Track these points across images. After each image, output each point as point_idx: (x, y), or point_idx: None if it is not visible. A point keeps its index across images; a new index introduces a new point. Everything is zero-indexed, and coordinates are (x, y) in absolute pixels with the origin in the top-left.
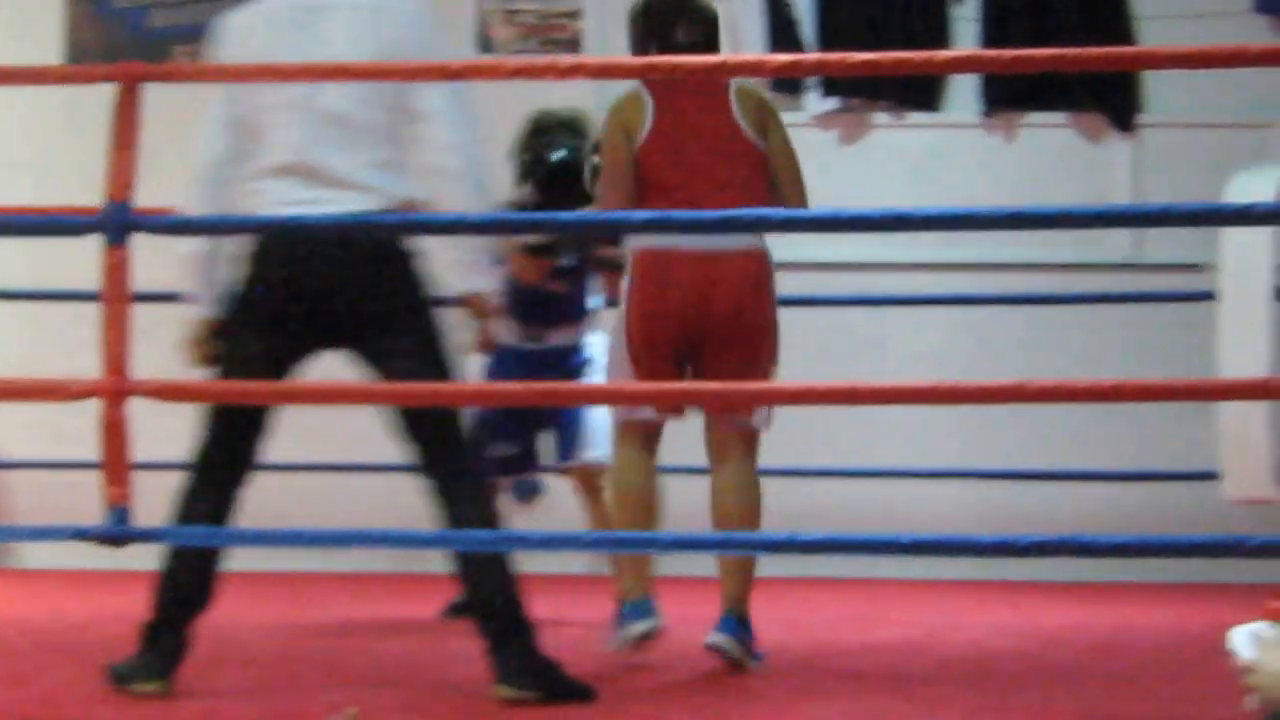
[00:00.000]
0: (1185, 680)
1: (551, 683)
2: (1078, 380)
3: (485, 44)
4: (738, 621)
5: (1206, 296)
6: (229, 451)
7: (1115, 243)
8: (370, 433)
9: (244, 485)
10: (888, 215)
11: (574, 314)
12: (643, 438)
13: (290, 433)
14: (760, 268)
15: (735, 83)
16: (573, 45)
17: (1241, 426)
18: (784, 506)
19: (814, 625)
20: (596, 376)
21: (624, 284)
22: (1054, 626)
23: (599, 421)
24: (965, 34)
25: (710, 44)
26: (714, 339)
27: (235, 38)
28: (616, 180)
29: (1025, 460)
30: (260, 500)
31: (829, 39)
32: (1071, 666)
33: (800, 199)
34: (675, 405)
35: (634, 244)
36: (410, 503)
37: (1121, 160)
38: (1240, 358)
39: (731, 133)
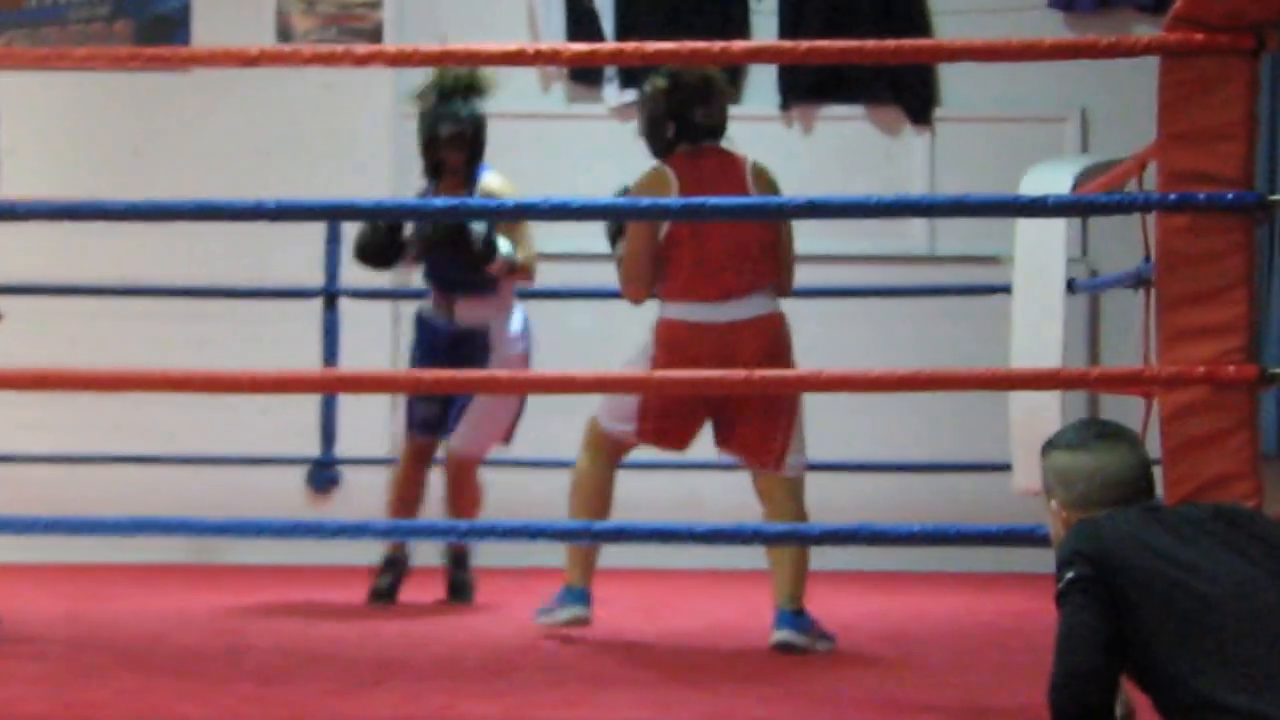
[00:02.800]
0: (975, 667)
1: None
2: (870, 370)
3: (285, 33)
4: (794, 614)
5: (1001, 290)
6: None
7: (913, 235)
8: (169, 423)
9: None
10: (683, 206)
11: (484, 288)
12: (611, 452)
13: (82, 424)
14: (777, 331)
15: (750, 162)
16: (374, 35)
17: (1032, 419)
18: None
19: (603, 614)
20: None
21: (646, 349)
22: (846, 615)
23: (492, 416)
24: (764, 26)
25: (724, 126)
26: (735, 403)
27: None
28: (640, 271)
29: (819, 451)
30: (44, 491)
31: (628, 30)
32: (865, 653)
33: (791, 263)
34: (680, 441)
35: (659, 314)
36: (207, 492)
37: (918, 154)
38: (1033, 349)
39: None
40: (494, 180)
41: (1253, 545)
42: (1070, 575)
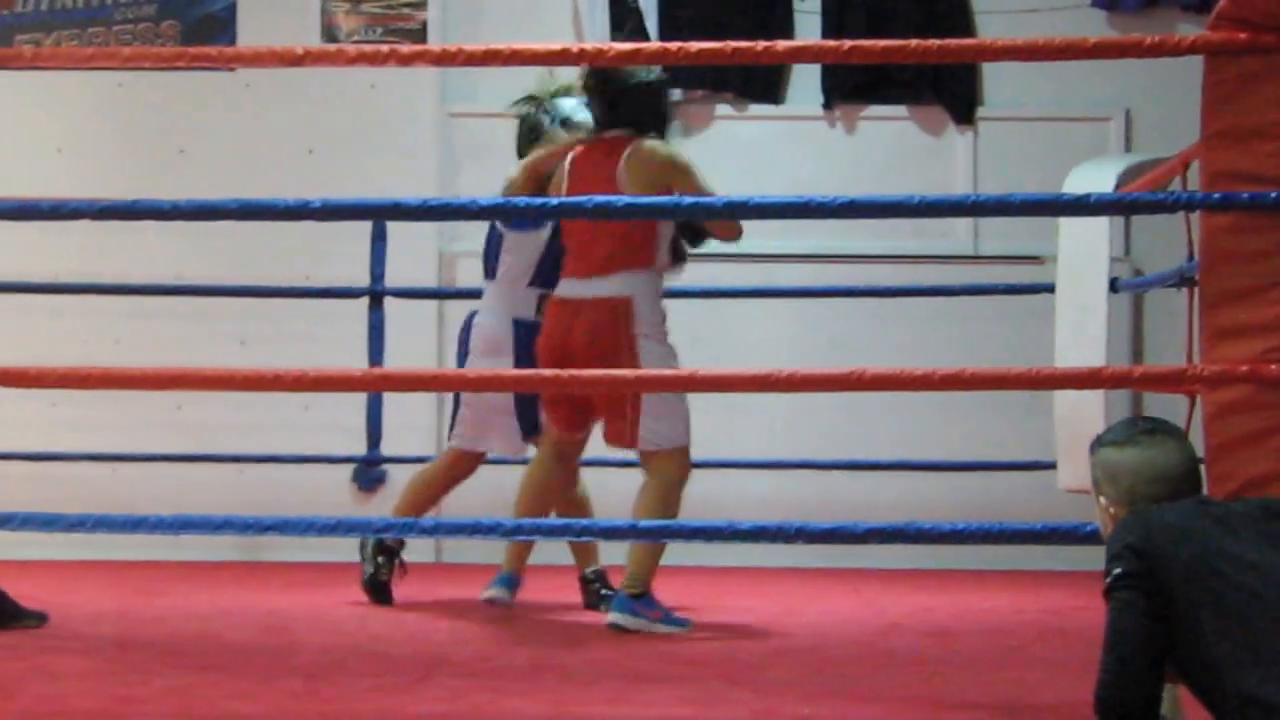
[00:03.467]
0: (1021, 664)
1: None
2: (914, 369)
3: (330, 33)
4: (629, 598)
5: (1044, 289)
6: None
7: (956, 235)
8: (215, 422)
9: None
10: (726, 203)
11: None
12: (556, 450)
13: (129, 422)
14: (614, 312)
15: (635, 146)
16: (418, 35)
17: (1076, 417)
18: (632, 492)
19: None
20: None
21: None
22: (892, 612)
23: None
24: (807, 26)
25: (638, 118)
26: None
27: None
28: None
29: (864, 450)
30: (91, 489)
31: (672, 30)
32: (909, 651)
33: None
34: (573, 426)
35: None
36: (254, 490)
37: (961, 154)
38: (1076, 348)
39: (611, 192)
40: None
41: None
42: (1118, 570)
